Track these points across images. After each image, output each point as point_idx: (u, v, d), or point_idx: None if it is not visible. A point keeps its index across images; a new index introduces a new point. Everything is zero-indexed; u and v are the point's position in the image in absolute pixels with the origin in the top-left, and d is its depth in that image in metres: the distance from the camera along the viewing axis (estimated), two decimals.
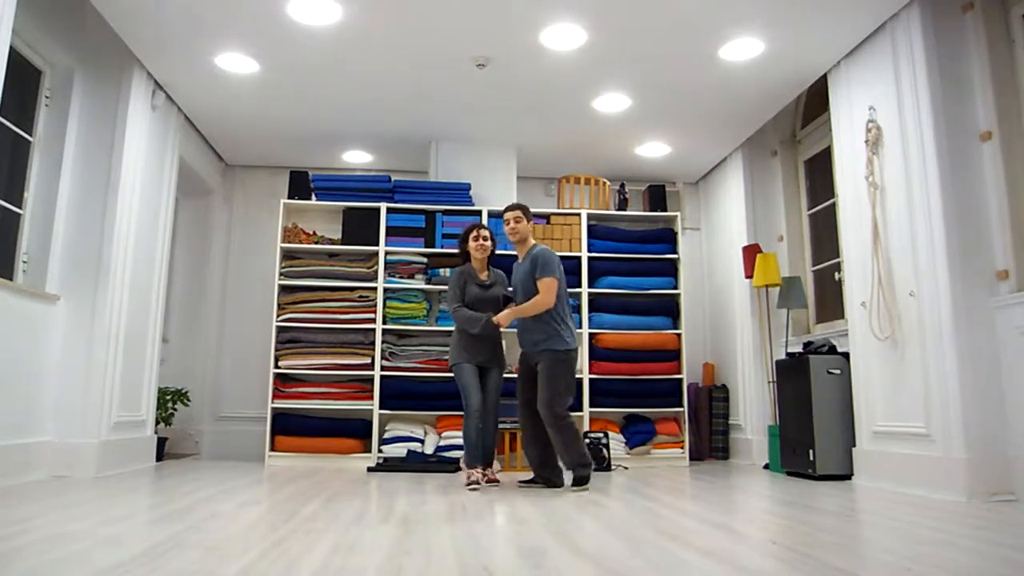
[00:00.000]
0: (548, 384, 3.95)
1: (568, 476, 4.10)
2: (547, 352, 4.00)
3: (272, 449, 5.37)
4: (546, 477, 4.12)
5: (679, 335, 5.85)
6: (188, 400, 5.75)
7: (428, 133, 5.95)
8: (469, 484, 3.99)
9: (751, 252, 5.78)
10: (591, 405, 5.65)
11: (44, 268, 4.24)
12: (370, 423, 5.49)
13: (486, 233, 4.31)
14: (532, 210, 5.97)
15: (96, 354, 4.32)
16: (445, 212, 5.81)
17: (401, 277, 5.71)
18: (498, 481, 4.20)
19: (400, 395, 5.49)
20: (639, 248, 5.97)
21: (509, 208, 4.25)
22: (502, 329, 4.18)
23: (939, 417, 3.70)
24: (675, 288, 5.95)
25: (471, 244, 4.28)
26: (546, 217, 5.98)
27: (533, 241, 4.24)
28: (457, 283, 4.24)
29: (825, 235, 5.45)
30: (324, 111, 5.52)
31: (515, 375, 4.37)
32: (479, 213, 5.80)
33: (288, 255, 5.75)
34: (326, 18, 4.15)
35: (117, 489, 3.66)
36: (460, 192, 5.88)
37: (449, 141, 6.09)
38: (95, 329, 4.33)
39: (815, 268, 5.64)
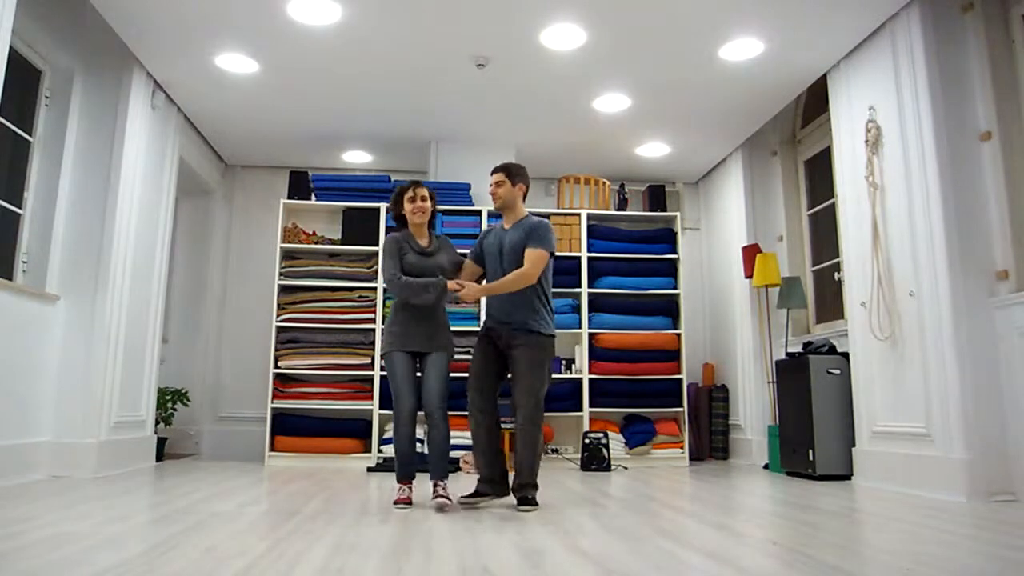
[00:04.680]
0: (534, 370, 3.32)
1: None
2: (534, 334, 3.37)
3: (272, 449, 5.37)
4: (497, 485, 3.40)
5: (679, 335, 5.85)
6: (188, 400, 5.75)
7: (428, 133, 5.95)
8: (397, 503, 3.25)
9: (751, 252, 5.78)
10: (591, 405, 5.64)
11: (44, 268, 4.24)
12: (370, 423, 5.49)
13: (424, 193, 3.54)
14: (532, 210, 6.00)
15: (96, 354, 4.32)
16: (445, 212, 5.80)
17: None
18: (449, 500, 3.26)
19: None
20: (639, 248, 5.97)
21: (494, 170, 3.70)
22: (467, 302, 3.60)
23: (939, 417, 3.70)
24: (675, 288, 5.95)
25: (407, 207, 3.52)
26: (546, 217, 5.97)
27: (526, 211, 3.62)
28: (391, 252, 3.46)
29: (825, 235, 5.45)
30: (324, 111, 5.51)
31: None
32: (479, 213, 5.80)
33: (288, 255, 5.74)
34: (326, 18, 4.15)
35: (117, 489, 3.66)
36: (460, 192, 5.87)
37: (449, 141, 6.09)
38: (95, 329, 4.33)
39: (815, 268, 5.64)
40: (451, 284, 3.38)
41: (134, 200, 4.69)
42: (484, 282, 3.57)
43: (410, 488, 3.35)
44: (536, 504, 3.25)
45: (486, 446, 3.42)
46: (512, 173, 3.61)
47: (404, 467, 3.36)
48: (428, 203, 3.53)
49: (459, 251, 3.68)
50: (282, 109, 5.47)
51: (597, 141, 6.02)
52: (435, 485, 3.33)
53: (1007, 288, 3.68)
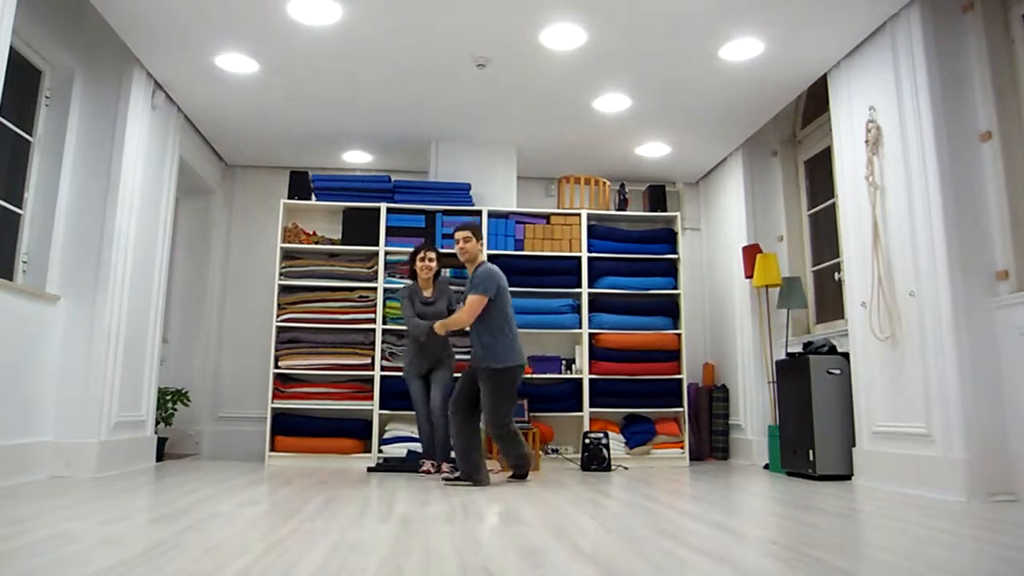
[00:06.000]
0: (489, 400, 4.23)
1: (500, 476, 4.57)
2: (485, 369, 4.23)
3: (272, 449, 5.37)
4: (468, 473, 4.21)
5: (679, 335, 5.85)
6: (188, 400, 5.75)
7: (428, 133, 5.95)
8: (421, 471, 4.64)
9: (751, 252, 5.78)
10: (591, 405, 5.65)
11: (44, 268, 4.24)
12: (370, 423, 5.49)
13: (432, 255, 4.82)
14: (532, 210, 6.06)
15: (96, 354, 4.32)
16: (445, 212, 5.81)
17: (401, 277, 5.71)
18: (451, 475, 4.38)
19: (400, 395, 5.49)
20: (639, 248, 5.97)
21: (459, 228, 4.41)
22: (446, 334, 4.55)
23: (939, 417, 3.70)
24: (675, 288, 5.95)
25: (417, 265, 4.82)
26: (546, 217, 5.99)
27: (483, 259, 4.44)
28: (405, 297, 4.83)
29: (825, 235, 5.45)
30: (324, 111, 5.52)
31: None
32: (479, 213, 5.81)
33: (288, 255, 5.75)
34: (326, 18, 4.15)
35: (117, 489, 3.66)
36: (460, 192, 5.88)
37: (449, 141, 6.09)
38: (95, 329, 4.33)
39: (815, 268, 5.64)
40: (434, 326, 4.51)
41: (134, 200, 4.70)
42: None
43: (431, 464, 4.72)
44: (524, 477, 4.45)
45: (459, 446, 4.32)
46: (476, 231, 4.42)
47: (426, 448, 4.81)
48: (434, 264, 4.81)
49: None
50: (282, 109, 5.48)
51: (597, 141, 6.02)
52: (439, 465, 4.66)
53: (1007, 288, 3.68)
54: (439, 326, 4.45)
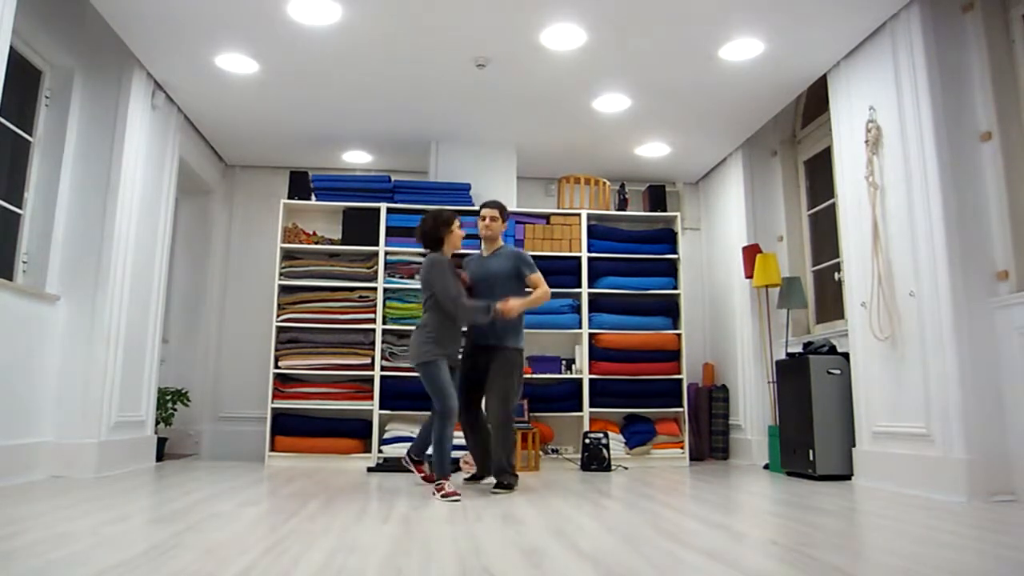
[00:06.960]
0: (506, 381, 3.95)
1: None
2: (506, 349, 4.01)
3: (272, 449, 5.37)
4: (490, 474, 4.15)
5: (679, 335, 5.85)
6: (188, 400, 5.75)
7: (428, 133, 5.95)
8: (449, 497, 3.48)
9: (751, 252, 5.78)
10: (591, 405, 5.65)
11: (44, 268, 4.24)
12: (370, 423, 5.49)
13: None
14: (532, 210, 6.06)
15: (96, 354, 4.32)
16: None
17: (401, 277, 5.71)
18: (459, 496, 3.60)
19: (400, 395, 5.49)
20: (639, 248, 5.97)
21: (488, 205, 4.28)
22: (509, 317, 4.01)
23: (939, 417, 3.70)
24: (675, 288, 5.95)
25: (457, 232, 3.99)
26: (546, 217, 5.98)
27: (501, 242, 4.30)
28: (450, 272, 3.86)
29: (825, 235, 5.45)
30: (324, 111, 5.51)
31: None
32: (479, 213, 5.79)
33: (288, 255, 5.75)
34: (326, 18, 4.15)
35: (117, 489, 3.66)
36: (460, 192, 5.87)
37: (449, 141, 6.09)
38: (95, 329, 4.33)
39: (815, 268, 5.64)
40: (499, 305, 3.87)
41: (134, 200, 4.69)
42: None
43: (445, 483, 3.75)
44: (510, 488, 3.88)
45: (474, 446, 4.22)
46: (503, 211, 4.29)
47: (420, 449, 4.20)
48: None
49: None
50: (282, 109, 5.47)
51: (597, 141, 6.02)
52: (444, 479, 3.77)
53: (1007, 288, 3.68)
54: (520, 305, 3.93)
